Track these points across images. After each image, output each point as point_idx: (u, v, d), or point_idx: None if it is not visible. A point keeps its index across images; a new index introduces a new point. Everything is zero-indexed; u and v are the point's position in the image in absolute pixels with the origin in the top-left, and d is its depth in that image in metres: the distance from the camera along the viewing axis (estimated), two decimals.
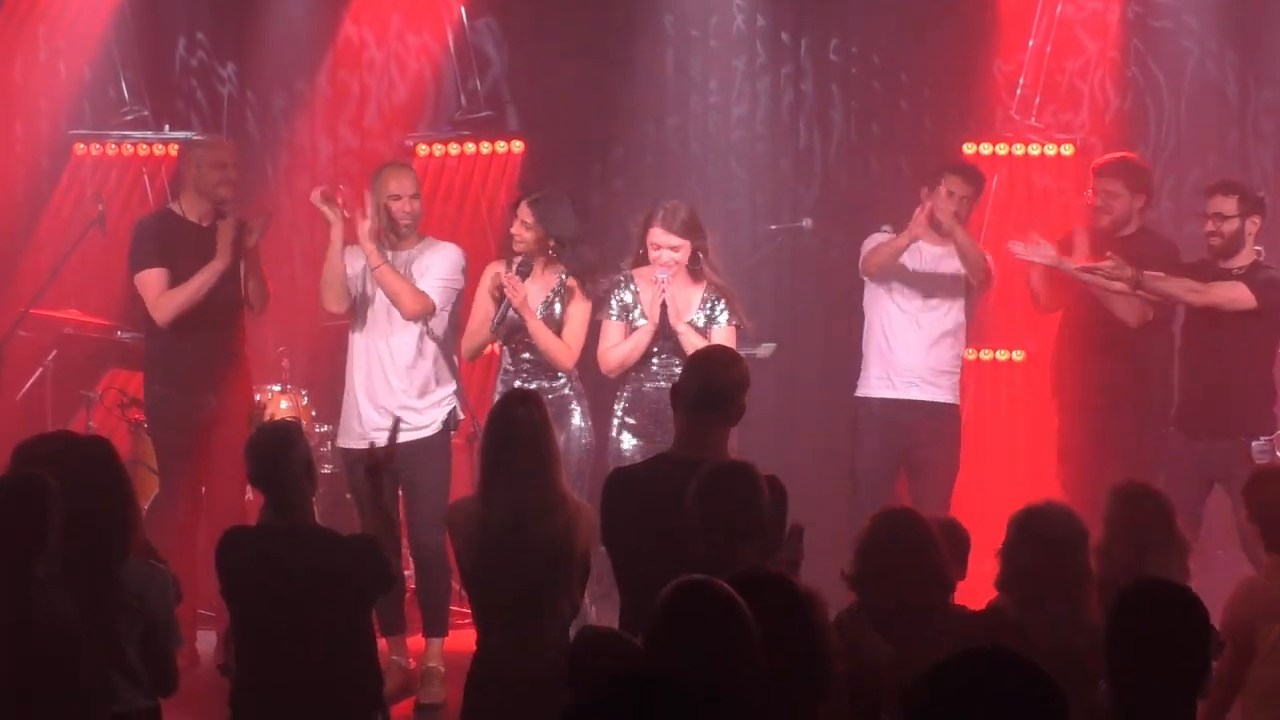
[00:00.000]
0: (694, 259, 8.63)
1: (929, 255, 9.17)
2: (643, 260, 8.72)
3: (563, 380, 8.72)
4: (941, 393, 9.16)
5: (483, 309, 8.76)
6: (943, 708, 3.30)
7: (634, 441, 8.63)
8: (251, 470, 6.48)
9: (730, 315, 8.67)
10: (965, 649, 3.37)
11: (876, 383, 9.17)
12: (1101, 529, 6.01)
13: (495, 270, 8.80)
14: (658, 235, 8.63)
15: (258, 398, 9.77)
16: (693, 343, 8.43)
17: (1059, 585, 5.61)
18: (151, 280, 9.02)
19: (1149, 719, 4.17)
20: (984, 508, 8.45)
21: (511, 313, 8.63)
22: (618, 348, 8.70)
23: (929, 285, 9.17)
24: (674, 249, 8.59)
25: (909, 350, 9.14)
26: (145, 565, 6.07)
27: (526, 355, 8.74)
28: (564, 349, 8.65)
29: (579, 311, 8.72)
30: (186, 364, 9.01)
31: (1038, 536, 5.67)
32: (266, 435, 6.59)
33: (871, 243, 9.20)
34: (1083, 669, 4.91)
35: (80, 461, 6.02)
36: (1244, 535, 7.87)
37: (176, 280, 9.01)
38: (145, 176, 11.42)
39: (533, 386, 8.30)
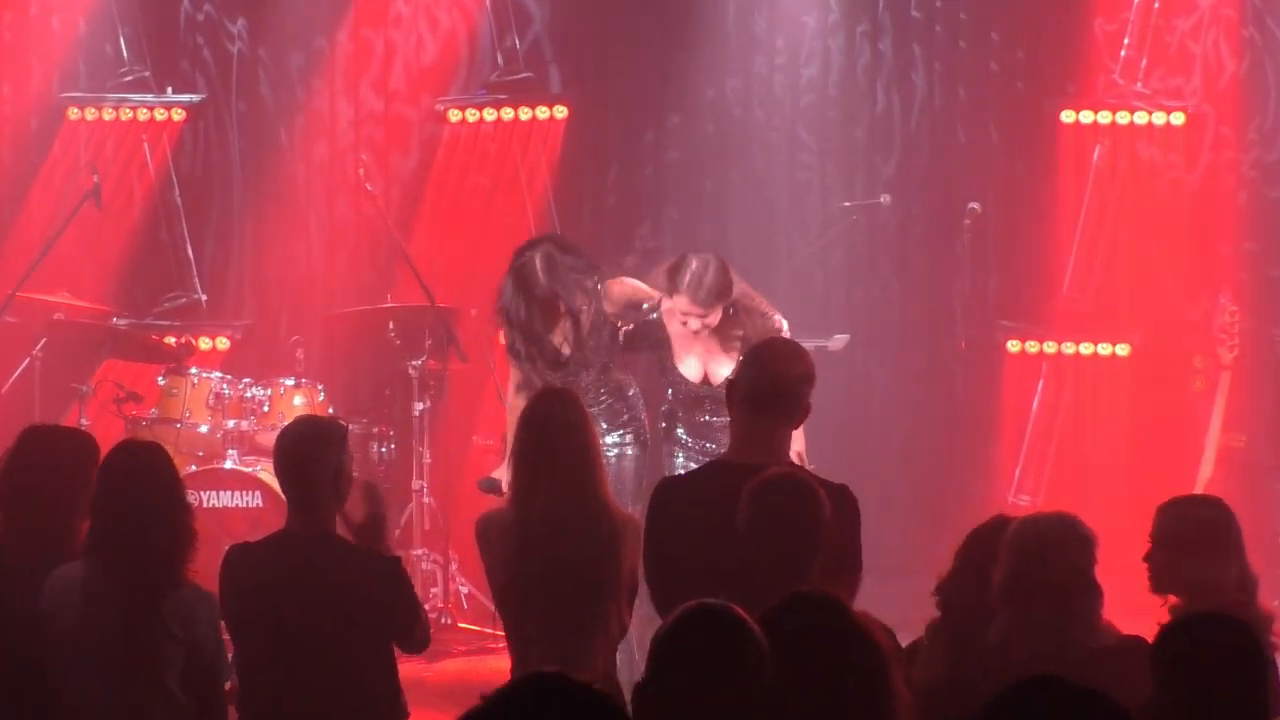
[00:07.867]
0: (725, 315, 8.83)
1: None
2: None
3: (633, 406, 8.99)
4: None
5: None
6: None
7: (685, 460, 8.78)
8: (278, 464, 6.44)
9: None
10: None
11: None
12: None
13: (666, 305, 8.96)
14: (683, 304, 8.74)
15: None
16: None
17: (1041, 592, 5.66)
18: None
19: None
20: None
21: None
22: None
23: None
24: (701, 317, 8.71)
25: None
26: (193, 589, 6.11)
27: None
28: None
29: None
30: None
31: (1020, 546, 5.72)
32: (302, 427, 6.52)
33: None
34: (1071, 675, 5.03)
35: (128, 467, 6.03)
36: None
37: None
38: (145, 144, 11.61)
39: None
